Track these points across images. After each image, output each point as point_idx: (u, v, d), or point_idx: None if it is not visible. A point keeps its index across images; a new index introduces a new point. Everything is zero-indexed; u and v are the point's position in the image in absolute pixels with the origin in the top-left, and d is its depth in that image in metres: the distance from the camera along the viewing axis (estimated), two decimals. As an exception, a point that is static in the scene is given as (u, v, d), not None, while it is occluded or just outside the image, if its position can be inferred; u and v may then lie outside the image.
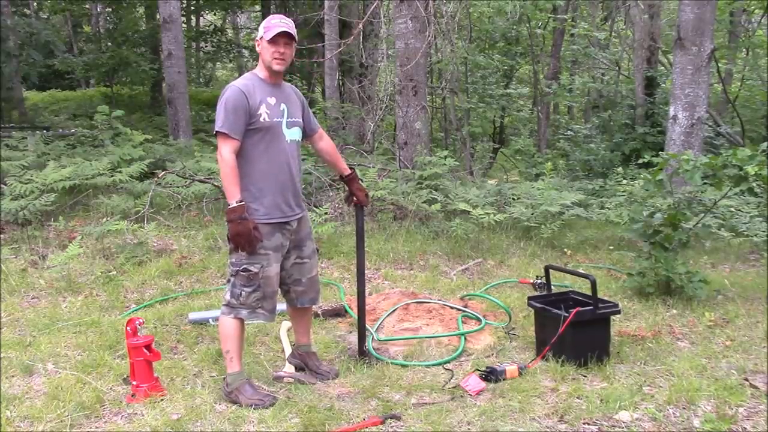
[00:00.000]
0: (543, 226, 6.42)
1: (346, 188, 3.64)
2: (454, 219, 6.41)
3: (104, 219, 6.30)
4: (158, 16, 11.74)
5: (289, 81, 3.97)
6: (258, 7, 19.27)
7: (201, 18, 22.61)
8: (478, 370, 3.50)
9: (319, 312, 4.39)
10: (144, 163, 7.37)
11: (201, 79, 23.55)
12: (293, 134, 3.28)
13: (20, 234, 6.07)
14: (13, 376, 3.50)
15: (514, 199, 7.26)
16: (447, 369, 3.63)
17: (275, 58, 3.17)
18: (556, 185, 7.69)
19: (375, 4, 9.16)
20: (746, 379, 3.46)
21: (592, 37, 14.11)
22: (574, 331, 3.53)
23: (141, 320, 3.34)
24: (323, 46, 10.89)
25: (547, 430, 2.96)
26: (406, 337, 4.05)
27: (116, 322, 4.23)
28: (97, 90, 18.99)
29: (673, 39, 7.32)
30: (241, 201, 3.07)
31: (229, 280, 3.24)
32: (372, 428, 2.94)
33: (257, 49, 3.25)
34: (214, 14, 23.44)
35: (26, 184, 6.45)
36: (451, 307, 4.50)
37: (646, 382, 3.44)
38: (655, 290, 4.78)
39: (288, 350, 3.79)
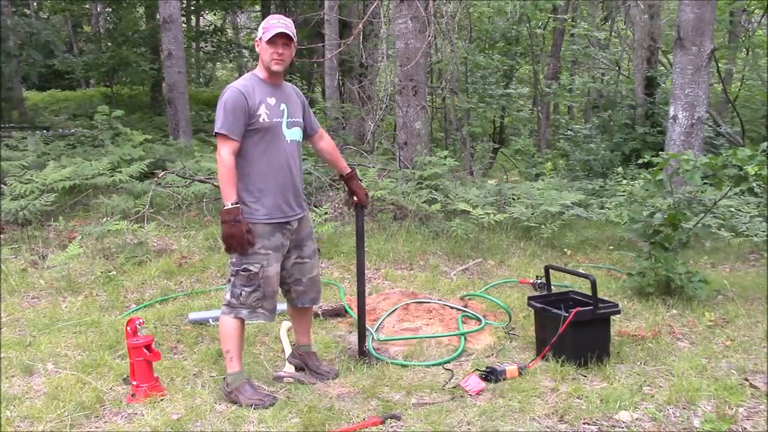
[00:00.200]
0: (543, 226, 6.42)
1: (346, 188, 3.64)
2: (454, 219, 6.42)
3: (104, 219, 6.31)
4: (158, 16, 11.74)
5: (289, 81, 3.97)
6: (258, 7, 19.27)
7: (201, 18, 22.61)
8: (478, 370, 3.50)
9: (319, 312, 4.39)
10: (144, 163, 7.37)
11: (201, 79, 23.55)
12: (293, 134, 3.28)
13: (20, 234, 6.07)
14: (13, 376, 3.50)
15: (514, 199, 7.26)
16: (447, 369, 3.63)
17: (274, 59, 3.16)
18: (556, 185, 7.69)
19: (375, 4, 9.15)
20: (746, 379, 3.46)
21: (592, 37, 14.11)
22: (574, 331, 3.53)
23: (141, 320, 3.34)
24: (323, 46, 10.89)
25: (547, 430, 2.96)
26: (406, 337, 4.05)
27: (116, 322, 4.23)
28: (97, 90, 18.98)
29: (673, 39, 7.32)
30: (236, 203, 3.06)
31: (229, 280, 3.24)
32: (372, 428, 2.94)
33: (257, 49, 3.25)
34: (214, 14, 23.44)
35: (26, 184, 6.45)
36: (451, 307, 4.50)
37: (646, 382, 3.44)
38: (655, 290, 4.77)
39: (288, 350, 3.79)
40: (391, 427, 2.97)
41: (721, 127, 11.28)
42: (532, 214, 6.55)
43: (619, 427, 2.97)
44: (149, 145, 9.00)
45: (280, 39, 3.14)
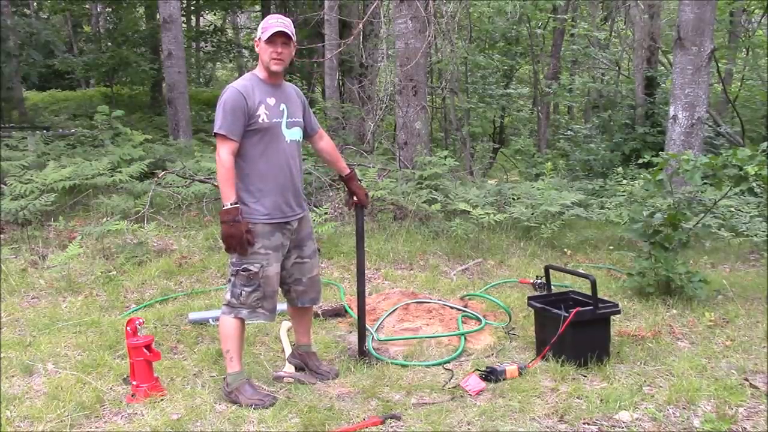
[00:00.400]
0: (543, 226, 6.41)
1: (346, 188, 3.64)
2: (454, 219, 6.41)
3: (104, 219, 6.30)
4: (158, 16, 11.74)
5: (289, 81, 3.97)
6: (258, 7, 19.27)
7: (201, 18, 22.62)
8: (478, 370, 3.50)
9: (319, 312, 4.39)
10: (144, 163, 7.37)
11: (201, 79, 23.55)
12: (293, 134, 3.28)
13: (20, 234, 6.07)
14: (13, 376, 3.50)
15: (514, 199, 7.26)
16: (447, 369, 3.63)
17: (273, 59, 3.16)
18: (556, 185, 7.69)
19: (375, 4, 9.15)
20: (746, 379, 3.46)
21: (592, 37, 14.11)
22: (574, 331, 3.53)
23: (141, 320, 3.34)
24: (323, 46, 10.89)
25: (547, 430, 2.96)
26: (406, 337, 4.05)
27: (116, 322, 4.23)
28: (97, 90, 18.99)
29: (673, 39, 7.32)
30: (236, 203, 3.06)
31: (229, 280, 3.24)
32: (372, 428, 2.94)
33: (256, 49, 3.25)
34: (214, 14, 23.44)
35: (26, 184, 6.45)
36: (451, 307, 4.50)
37: (646, 382, 3.44)
38: (655, 290, 4.77)
39: (288, 350, 3.79)
40: (391, 427, 2.97)
41: (721, 127, 11.28)
42: (532, 214, 6.55)
43: (619, 427, 2.97)
44: (149, 145, 9.00)
45: (279, 38, 3.14)
